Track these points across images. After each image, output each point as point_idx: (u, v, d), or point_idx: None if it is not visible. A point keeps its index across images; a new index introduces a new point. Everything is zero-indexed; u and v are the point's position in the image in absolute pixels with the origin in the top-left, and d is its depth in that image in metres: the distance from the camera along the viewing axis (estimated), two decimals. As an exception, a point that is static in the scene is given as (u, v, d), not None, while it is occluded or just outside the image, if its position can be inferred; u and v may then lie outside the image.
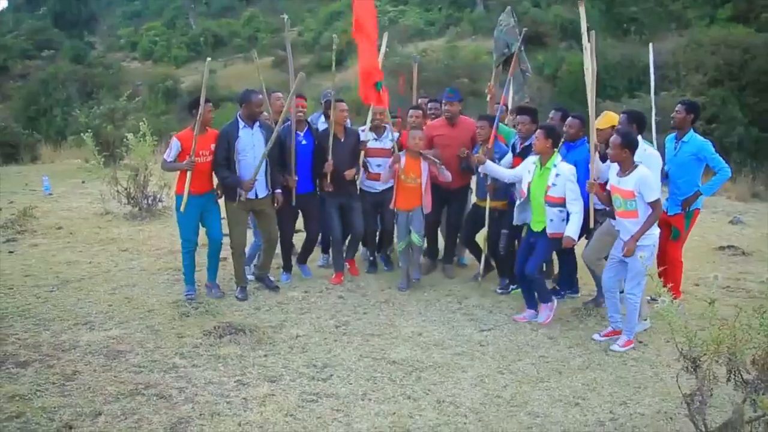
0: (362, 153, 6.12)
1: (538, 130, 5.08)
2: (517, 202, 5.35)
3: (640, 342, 4.85)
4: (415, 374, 4.24)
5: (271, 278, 5.99)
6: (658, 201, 4.48)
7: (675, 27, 31.58)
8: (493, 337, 4.93)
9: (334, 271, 6.26)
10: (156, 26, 52.54)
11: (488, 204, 5.83)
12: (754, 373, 2.76)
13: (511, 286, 5.90)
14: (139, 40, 51.81)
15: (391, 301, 5.62)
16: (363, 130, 6.28)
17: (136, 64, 48.30)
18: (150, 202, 9.26)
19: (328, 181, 5.87)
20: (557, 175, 4.97)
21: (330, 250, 6.52)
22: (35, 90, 30.40)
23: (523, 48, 6.67)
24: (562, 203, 4.99)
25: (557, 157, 5.07)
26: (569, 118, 5.52)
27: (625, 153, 4.45)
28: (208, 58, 5.81)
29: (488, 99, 6.93)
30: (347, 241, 6.40)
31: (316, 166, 5.95)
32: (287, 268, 6.26)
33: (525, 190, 5.20)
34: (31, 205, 8.73)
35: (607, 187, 4.78)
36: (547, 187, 5.00)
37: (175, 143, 5.38)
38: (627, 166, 4.49)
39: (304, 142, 5.92)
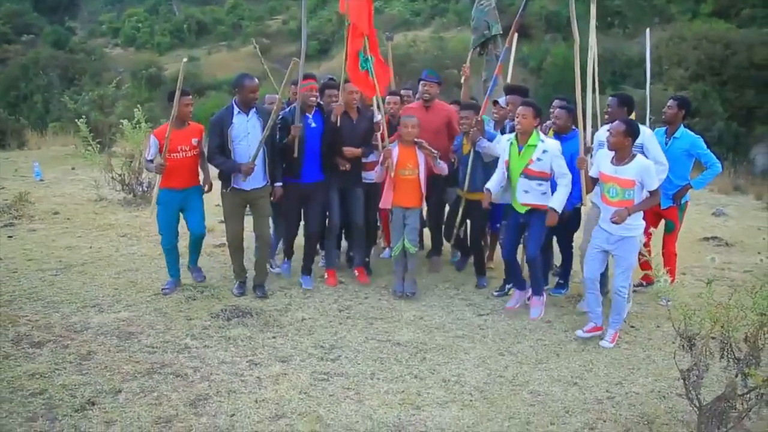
0: (378, 134, 5.66)
1: (527, 108, 4.94)
2: (499, 183, 5.18)
3: (632, 326, 5.05)
4: (419, 355, 4.40)
5: (264, 288, 5.48)
6: (658, 189, 4.54)
7: (658, 21, 32.02)
8: (491, 321, 5.10)
9: (325, 267, 6.00)
10: (138, 12, 52.00)
11: (464, 196, 5.67)
12: (746, 350, 2.96)
13: (507, 286, 5.68)
14: (122, 26, 51.32)
15: (390, 287, 5.76)
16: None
17: (119, 51, 47.85)
18: (144, 188, 9.30)
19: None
20: (544, 151, 4.89)
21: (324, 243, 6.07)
22: (15, 75, 30.05)
23: (501, 32, 6.58)
24: (543, 177, 4.97)
25: (539, 135, 4.98)
26: (557, 109, 5.50)
27: (627, 141, 4.41)
28: (184, 59, 5.51)
29: (463, 80, 6.67)
30: (349, 241, 6.19)
31: (326, 152, 5.56)
32: (289, 255, 6.07)
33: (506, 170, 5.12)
34: (24, 190, 8.73)
35: (592, 175, 4.76)
36: (529, 160, 4.92)
37: (153, 141, 5.21)
38: (625, 155, 4.45)
39: (313, 124, 5.50)
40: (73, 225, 7.68)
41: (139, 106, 9.60)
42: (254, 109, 5.20)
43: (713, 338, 3.11)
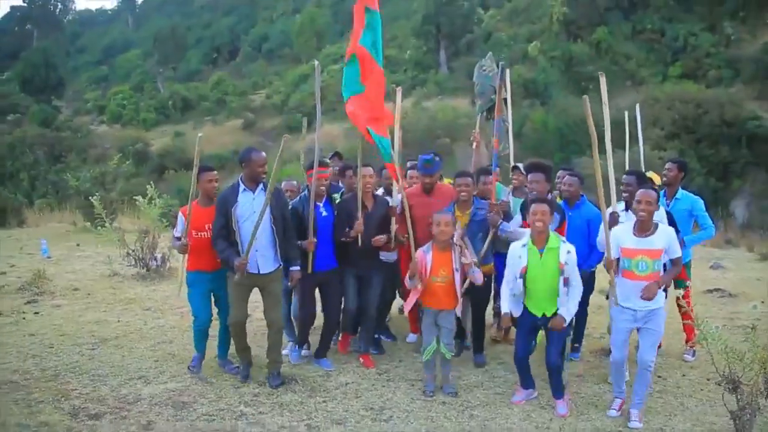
0: (393, 220, 5.37)
1: (543, 206, 4.52)
2: (510, 292, 4.70)
3: (659, 376, 5.26)
4: (467, 412, 4.56)
5: (280, 377, 5.02)
6: (680, 256, 4.50)
7: (630, 84, 33.53)
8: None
9: (360, 353, 5.64)
10: (123, 90, 53.06)
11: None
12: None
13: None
14: (107, 104, 52.20)
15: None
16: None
17: (104, 128, 48.46)
18: (159, 263, 9.45)
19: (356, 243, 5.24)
20: (568, 252, 4.53)
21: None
22: (2, 154, 30.19)
23: (507, 97, 6.29)
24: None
25: (557, 236, 4.67)
26: (567, 177, 5.37)
27: (656, 208, 4.39)
28: (200, 134, 5.25)
29: (474, 147, 6.64)
30: (359, 327, 5.75)
31: (338, 239, 5.32)
32: (302, 342, 5.66)
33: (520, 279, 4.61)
34: (38, 268, 8.82)
35: (614, 256, 4.44)
36: (560, 265, 4.49)
37: (180, 218, 5.07)
38: (650, 225, 4.37)
39: (324, 213, 5.30)
40: (95, 300, 7.77)
41: (151, 183, 9.87)
42: (261, 186, 4.92)
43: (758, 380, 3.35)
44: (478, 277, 4.90)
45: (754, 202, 21.56)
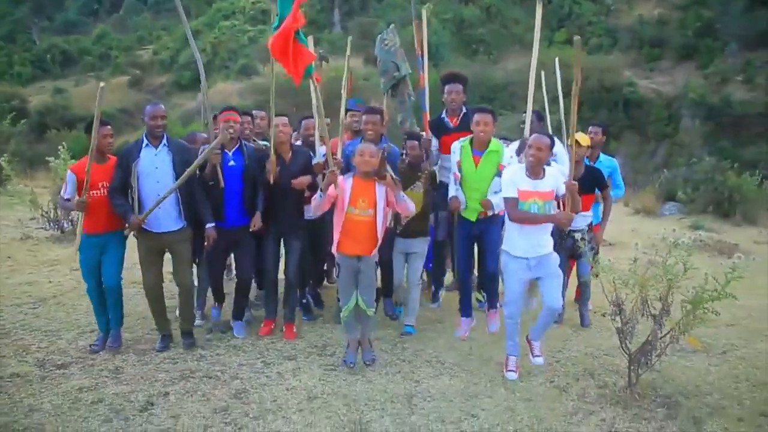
0: (319, 177, 5.01)
1: (485, 114, 4.90)
2: (453, 187, 5.08)
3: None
4: (399, 345, 5.27)
5: (193, 337, 5.12)
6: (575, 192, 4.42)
7: (519, 48, 35.22)
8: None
9: (264, 317, 5.54)
10: (-7, 40, 48.49)
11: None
12: (659, 307, 4.14)
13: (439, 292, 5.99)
14: (-26, 56, 47.55)
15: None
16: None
17: (-30, 82, 44.32)
18: (73, 224, 9.40)
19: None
20: (511, 156, 4.98)
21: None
22: None
23: (410, 72, 6.14)
24: None
25: (498, 141, 5.03)
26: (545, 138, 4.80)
27: (549, 154, 4.46)
28: (102, 83, 4.87)
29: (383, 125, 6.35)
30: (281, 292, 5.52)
31: (249, 193, 5.08)
32: (220, 299, 5.62)
33: (458, 173, 5.04)
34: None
35: (509, 196, 4.40)
36: (500, 167, 4.87)
37: (69, 177, 4.79)
38: (540, 170, 4.40)
39: (232, 162, 5.01)
40: (18, 263, 7.76)
41: (63, 143, 9.71)
42: (164, 141, 4.79)
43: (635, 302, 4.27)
44: (409, 204, 4.59)
45: (629, 163, 23.72)
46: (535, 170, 4.38)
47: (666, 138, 28.01)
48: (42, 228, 9.47)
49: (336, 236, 4.56)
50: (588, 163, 5.74)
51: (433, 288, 6.29)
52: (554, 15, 37.22)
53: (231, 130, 4.96)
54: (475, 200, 5.07)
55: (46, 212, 9.41)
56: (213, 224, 4.93)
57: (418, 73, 5.85)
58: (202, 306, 5.77)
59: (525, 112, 5.47)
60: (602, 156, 6.28)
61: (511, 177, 4.43)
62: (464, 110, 5.66)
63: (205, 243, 4.99)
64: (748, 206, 13.48)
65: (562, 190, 4.36)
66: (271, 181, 4.99)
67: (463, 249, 5.21)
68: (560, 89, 6.39)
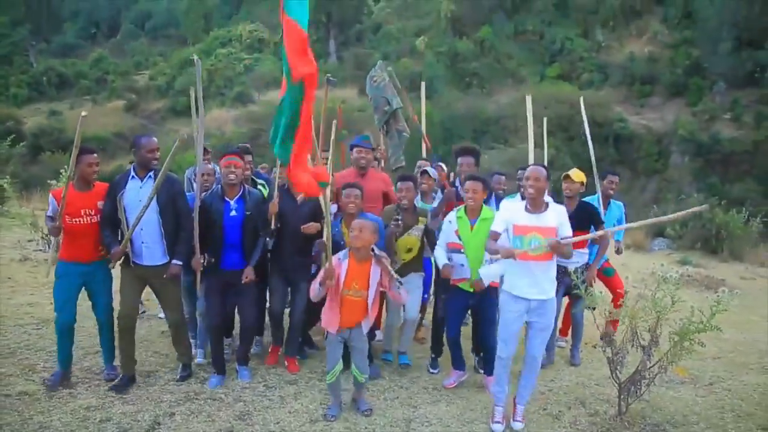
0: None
1: (476, 183, 4.74)
2: (444, 256, 4.92)
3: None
4: (397, 370, 5.42)
5: (189, 368, 5.07)
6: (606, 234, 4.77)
7: (511, 82, 35.92)
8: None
9: (271, 343, 5.54)
10: (-11, 61, 48.90)
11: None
12: (649, 338, 4.34)
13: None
14: (-29, 77, 47.87)
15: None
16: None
17: (-33, 103, 44.51)
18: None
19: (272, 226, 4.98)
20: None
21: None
22: None
23: (401, 106, 6.25)
24: None
25: (490, 208, 4.91)
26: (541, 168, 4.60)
27: (546, 185, 4.26)
28: (83, 113, 4.70)
29: (381, 164, 6.47)
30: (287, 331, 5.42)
31: (248, 243, 4.90)
32: (244, 360, 5.17)
33: (458, 241, 4.82)
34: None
35: (508, 233, 4.30)
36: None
37: (51, 200, 4.66)
38: (541, 203, 4.24)
39: (234, 213, 4.82)
40: (18, 284, 7.85)
41: (66, 167, 9.86)
42: (150, 174, 4.68)
43: (625, 334, 4.46)
44: (402, 295, 4.42)
45: (620, 198, 24.02)
46: (536, 203, 4.22)
47: (656, 174, 28.53)
48: (41, 250, 9.58)
49: (327, 314, 4.42)
50: (584, 200, 5.72)
51: (432, 355, 5.64)
52: (546, 50, 38.07)
53: (233, 176, 4.78)
54: (473, 270, 4.81)
55: (46, 234, 9.51)
56: (180, 263, 4.72)
57: (409, 109, 5.94)
58: (204, 344, 5.48)
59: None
60: (614, 202, 6.28)
61: (506, 212, 4.34)
62: None
63: (164, 276, 4.70)
64: (735, 243, 13.83)
65: (567, 231, 4.20)
66: (273, 227, 4.98)
67: (455, 317, 5.04)
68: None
